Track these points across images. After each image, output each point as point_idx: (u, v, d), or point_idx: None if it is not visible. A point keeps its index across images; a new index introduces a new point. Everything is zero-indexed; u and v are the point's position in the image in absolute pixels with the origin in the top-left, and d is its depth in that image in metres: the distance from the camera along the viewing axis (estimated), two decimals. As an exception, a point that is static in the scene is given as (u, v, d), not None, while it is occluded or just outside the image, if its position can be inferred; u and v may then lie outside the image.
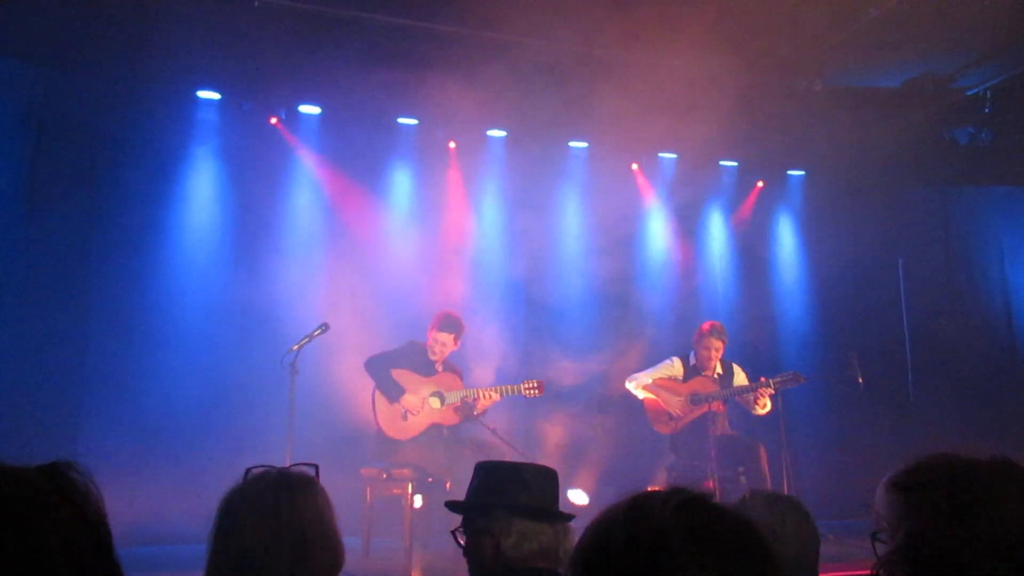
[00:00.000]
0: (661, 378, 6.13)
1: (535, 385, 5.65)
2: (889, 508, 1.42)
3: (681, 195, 8.20)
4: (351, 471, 5.51)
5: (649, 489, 1.09)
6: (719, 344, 6.05)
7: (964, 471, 1.38)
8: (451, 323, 5.76)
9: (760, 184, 8.52)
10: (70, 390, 6.22)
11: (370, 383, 5.70)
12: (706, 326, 6.16)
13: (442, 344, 5.74)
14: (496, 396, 5.66)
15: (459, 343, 5.86)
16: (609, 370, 7.11)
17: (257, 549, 1.73)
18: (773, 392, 5.79)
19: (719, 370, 6.14)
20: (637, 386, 6.14)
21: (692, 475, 5.86)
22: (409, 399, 5.58)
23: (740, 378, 6.16)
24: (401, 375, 5.65)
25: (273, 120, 7.12)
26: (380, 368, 5.65)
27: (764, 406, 5.88)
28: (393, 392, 5.58)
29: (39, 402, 5.94)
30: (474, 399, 5.67)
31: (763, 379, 5.83)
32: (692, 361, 6.16)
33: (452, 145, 7.60)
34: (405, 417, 5.59)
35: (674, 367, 6.17)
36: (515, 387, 5.70)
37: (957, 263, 8.76)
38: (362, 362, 5.74)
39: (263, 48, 6.13)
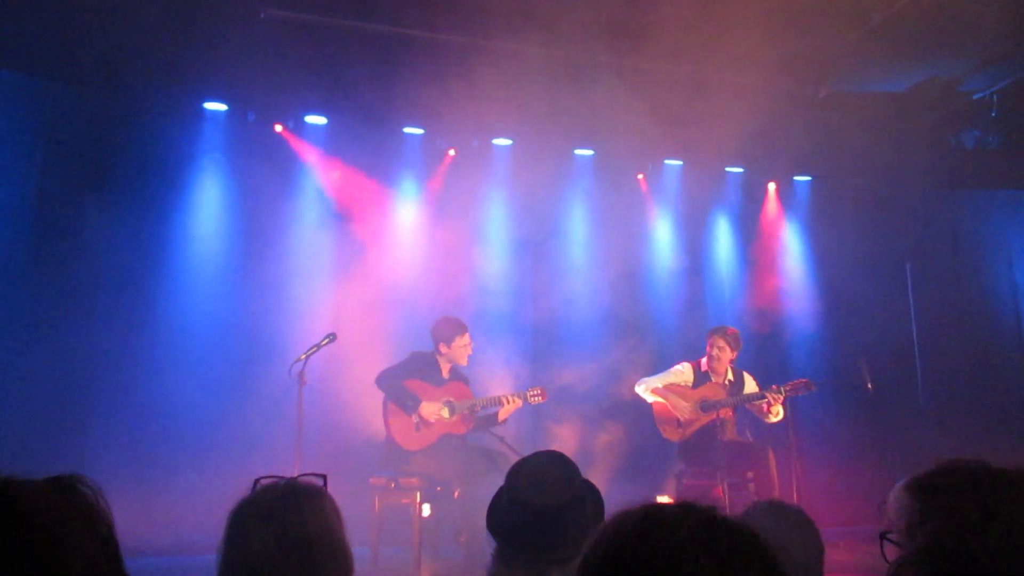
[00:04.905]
0: (671, 383, 6.12)
1: (538, 392, 5.77)
2: (909, 510, 1.41)
3: (687, 201, 8.20)
4: (359, 480, 5.50)
5: (658, 501, 1.09)
6: (722, 343, 6.02)
7: (990, 478, 1.36)
8: (458, 325, 5.76)
9: (772, 188, 8.53)
10: (78, 400, 6.24)
11: (379, 392, 5.68)
12: (714, 327, 6.18)
13: (466, 347, 5.75)
14: (519, 402, 5.73)
15: None
16: (617, 376, 7.09)
17: (266, 560, 1.73)
18: (783, 399, 5.77)
19: (730, 377, 6.13)
20: (646, 389, 6.12)
21: (701, 482, 5.84)
22: (427, 407, 5.56)
23: (751, 386, 6.13)
24: (413, 386, 5.64)
25: (279, 130, 7.15)
26: (393, 381, 5.61)
27: (777, 414, 5.84)
28: (409, 403, 5.55)
29: (47, 412, 5.95)
30: (495, 407, 5.71)
31: (774, 387, 5.81)
32: (703, 367, 6.15)
33: (452, 152, 7.62)
34: (418, 428, 5.58)
35: (684, 373, 6.15)
36: (521, 394, 5.76)
37: (965, 267, 8.72)
38: (371, 375, 5.68)
39: (269, 60, 6.16)
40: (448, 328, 5.73)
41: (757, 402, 5.89)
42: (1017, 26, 6.00)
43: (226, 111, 6.99)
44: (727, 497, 5.63)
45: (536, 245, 7.72)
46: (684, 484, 5.97)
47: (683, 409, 6.00)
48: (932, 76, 7.08)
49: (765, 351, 7.72)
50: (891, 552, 1.46)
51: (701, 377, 6.12)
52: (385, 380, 5.61)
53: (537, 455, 2.24)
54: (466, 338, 5.75)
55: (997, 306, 8.74)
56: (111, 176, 6.59)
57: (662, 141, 7.24)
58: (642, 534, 1.01)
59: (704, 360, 6.15)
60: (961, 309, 8.44)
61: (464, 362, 5.80)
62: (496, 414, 5.76)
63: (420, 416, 5.54)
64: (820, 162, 8.19)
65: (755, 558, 1.00)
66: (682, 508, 1.04)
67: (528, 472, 2.15)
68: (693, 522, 1.01)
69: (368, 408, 5.92)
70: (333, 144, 7.24)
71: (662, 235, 8.25)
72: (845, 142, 7.48)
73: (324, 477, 1.96)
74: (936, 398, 7.84)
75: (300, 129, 7.24)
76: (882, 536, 1.47)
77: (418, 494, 5.42)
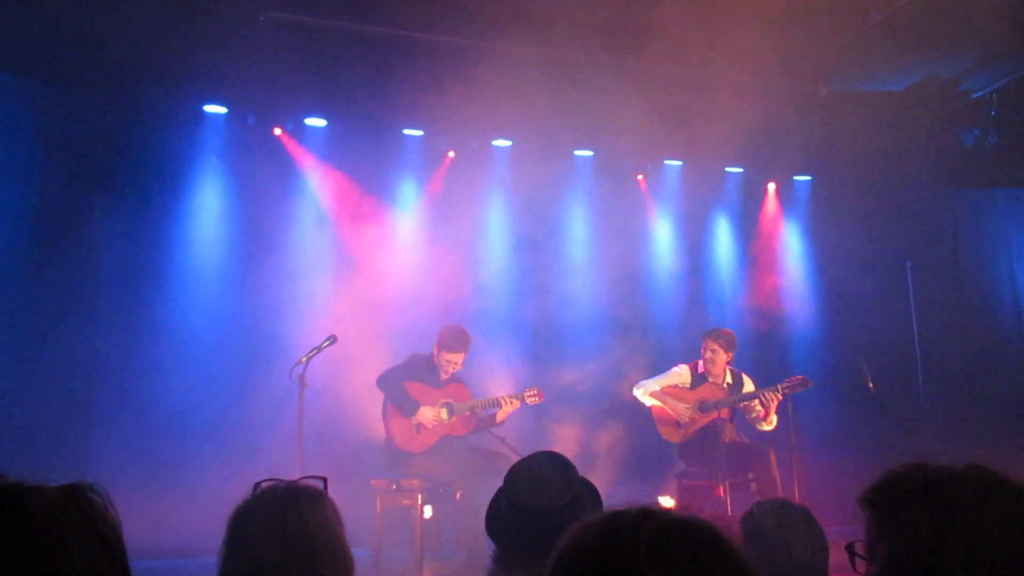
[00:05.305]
0: (669, 386, 6.11)
1: (535, 393, 5.81)
2: (867, 524, 1.38)
3: (687, 202, 8.21)
4: (360, 482, 5.50)
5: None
6: (715, 347, 5.99)
7: (939, 485, 1.33)
8: (459, 342, 5.72)
9: (771, 188, 8.53)
10: (79, 402, 6.25)
11: (379, 394, 5.69)
12: (707, 331, 6.17)
13: (453, 364, 5.74)
14: (516, 403, 5.76)
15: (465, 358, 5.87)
16: (618, 376, 7.08)
17: (266, 563, 1.73)
18: (781, 398, 5.75)
19: (728, 379, 6.12)
20: (644, 393, 6.12)
21: (703, 482, 5.84)
22: (425, 412, 5.56)
23: (749, 388, 6.12)
24: (413, 388, 5.64)
25: (279, 133, 7.15)
26: (393, 384, 5.62)
27: (771, 423, 5.84)
28: (409, 407, 5.55)
29: (49, 414, 5.96)
30: (493, 408, 5.72)
31: (778, 386, 5.79)
32: (700, 368, 6.14)
33: (451, 154, 7.62)
34: (419, 431, 5.58)
35: (682, 375, 6.14)
36: (518, 395, 5.79)
37: (966, 266, 8.71)
38: (372, 377, 5.69)
39: (268, 62, 6.17)
40: (449, 339, 5.73)
41: (754, 405, 5.87)
42: (1017, 26, 5.99)
43: (226, 114, 6.99)
44: (728, 497, 5.63)
45: (536, 245, 7.71)
46: (685, 485, 5.97)
47: (681, 411, 6.00)
48: (932, 75, 7.08)
49: (766, 350, 7.72)
50: (861, 565, 1.45)
51: (699, 378, 6.11)
52: (386, 382, 5.62)
53: (534, 456, 2.22)
54: (457, 357, 5.72)
55: (997, 304, 8.73)
56: (112, 179, 6.59)
57: (662, 141, 7.24)
58: (601, 540, 1.00)
59: (701, 362, 6.15)
60: (962, 307, 8.43)
61: (444, 375, 5.78)
62: (494, 415, 5.76)
63: (419, 419, 5.55)
64: (820, 162, 8.19)
65: (717, 559, 1.00)
66: (641, 513, 1.03)
67: (526, 474, 2.14)
68: (651, 527, 1.00)
69: (369, 410, 5.92)
70: (333, 146, 7.24)
71: (662, 235, 8.25)
72: (845, 142, 7.47)
73: (324, 480, 1.96)
74: (937, 397, 7.83)
75: (300, 131, 7.23)
76: (848, 549, 1.46)
77: (419, 496, 5.43)
